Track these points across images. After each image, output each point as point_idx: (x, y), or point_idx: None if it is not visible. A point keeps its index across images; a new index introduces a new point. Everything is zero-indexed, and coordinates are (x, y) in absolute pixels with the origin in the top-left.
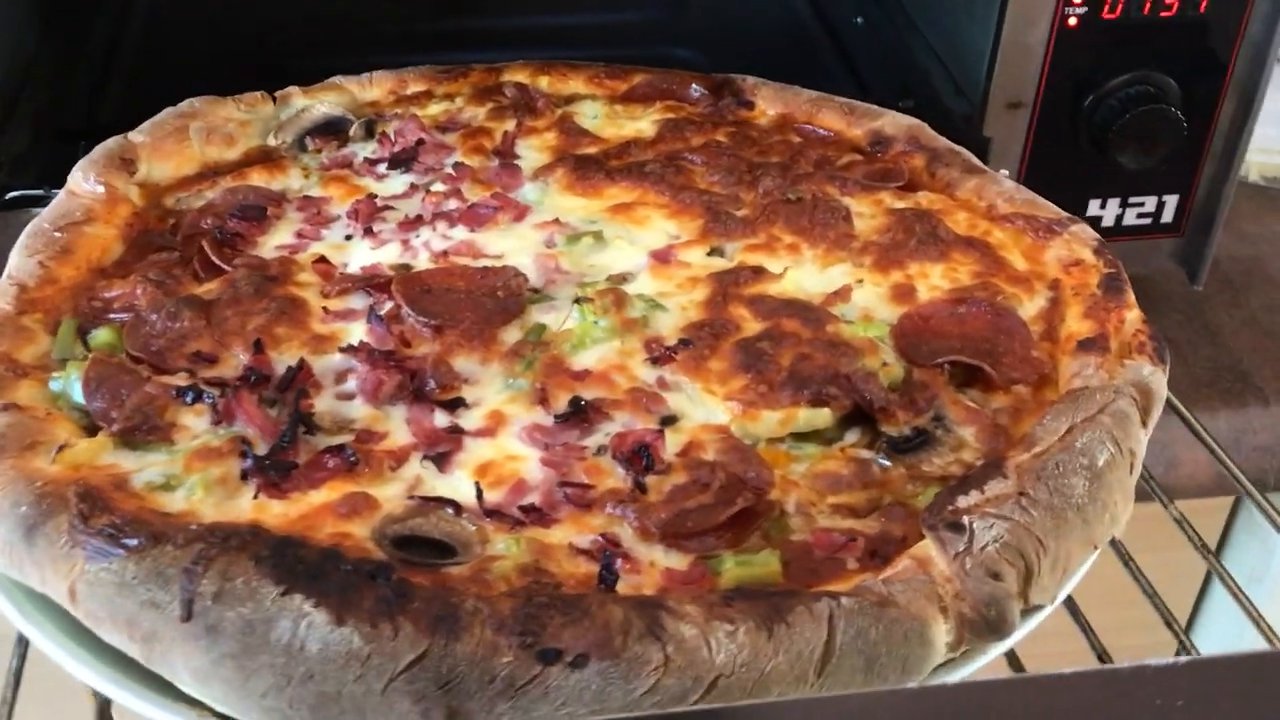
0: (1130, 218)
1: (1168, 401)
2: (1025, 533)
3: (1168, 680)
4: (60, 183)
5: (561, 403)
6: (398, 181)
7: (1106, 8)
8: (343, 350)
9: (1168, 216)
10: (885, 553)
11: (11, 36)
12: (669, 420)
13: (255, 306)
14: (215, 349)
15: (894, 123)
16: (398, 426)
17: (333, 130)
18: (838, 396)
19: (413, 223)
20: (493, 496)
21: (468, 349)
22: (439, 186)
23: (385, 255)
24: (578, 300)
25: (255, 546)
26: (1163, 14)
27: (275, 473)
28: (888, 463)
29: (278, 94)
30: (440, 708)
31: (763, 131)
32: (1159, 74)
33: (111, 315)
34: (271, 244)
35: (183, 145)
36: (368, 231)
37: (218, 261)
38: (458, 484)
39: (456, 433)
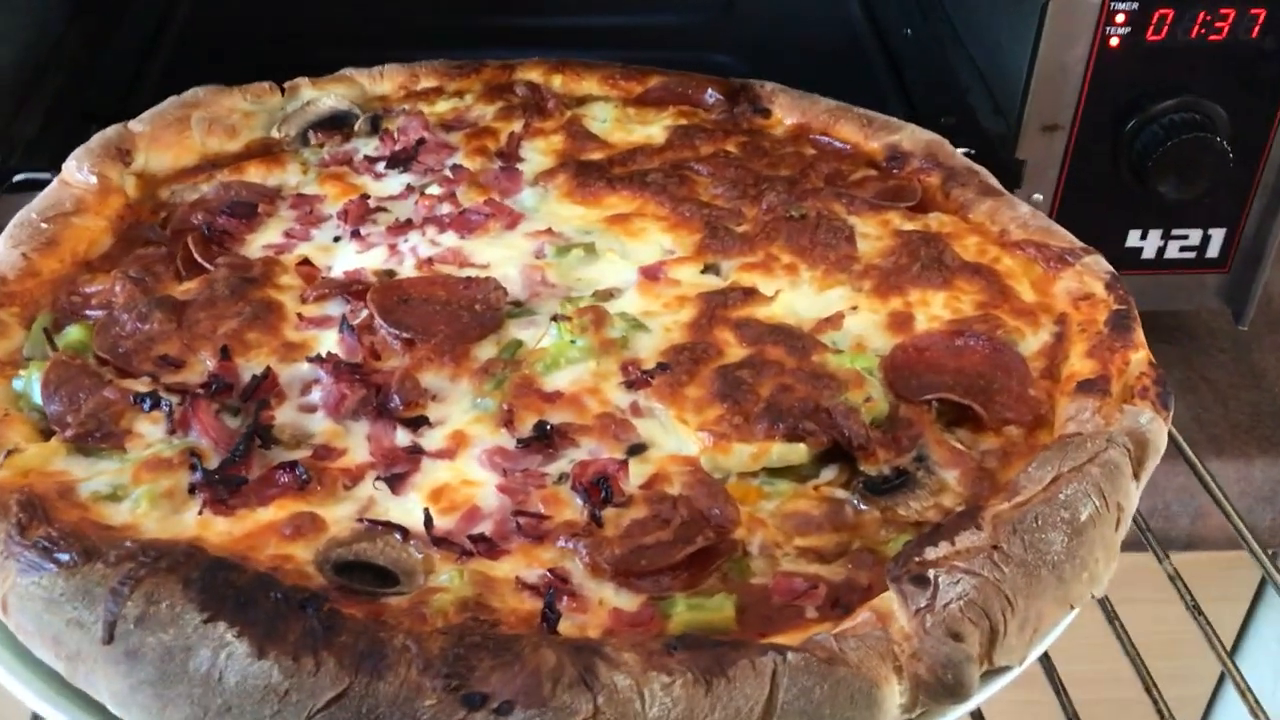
0: (1173, 251)
1: (1178, 449)
2: (994, 590)
3: None
4: None
5: (527, 426)
6: (395, 181)
7: (1151, 29)
8: (310, 360)
9: (1213, 251)
10: (848, 602)
11: (36, 18)
12: (637, 449)
13: (229, 310)
14: (182, 353)
15: (912, 137)
16: (357, 443)
17: (338, 125)
18: (815, 432)
19: (402, 227)
20: (443, 523)
21: (438, 364)
22: (434, 189)
23: (370, 260)
24: (555, 318)
25: (187, 568)
26: (1211, 38)
27: (223, 487)
28: (862, 505)
29: (286, 85)
30: None
31: (776, 142)
32: (1207, 101)
33: (88, 312)
34: (259, 243)
35: (183, 136)
36: (355, 234)
37: (200, 260)
38: (410, 507)
39: (416, 453)
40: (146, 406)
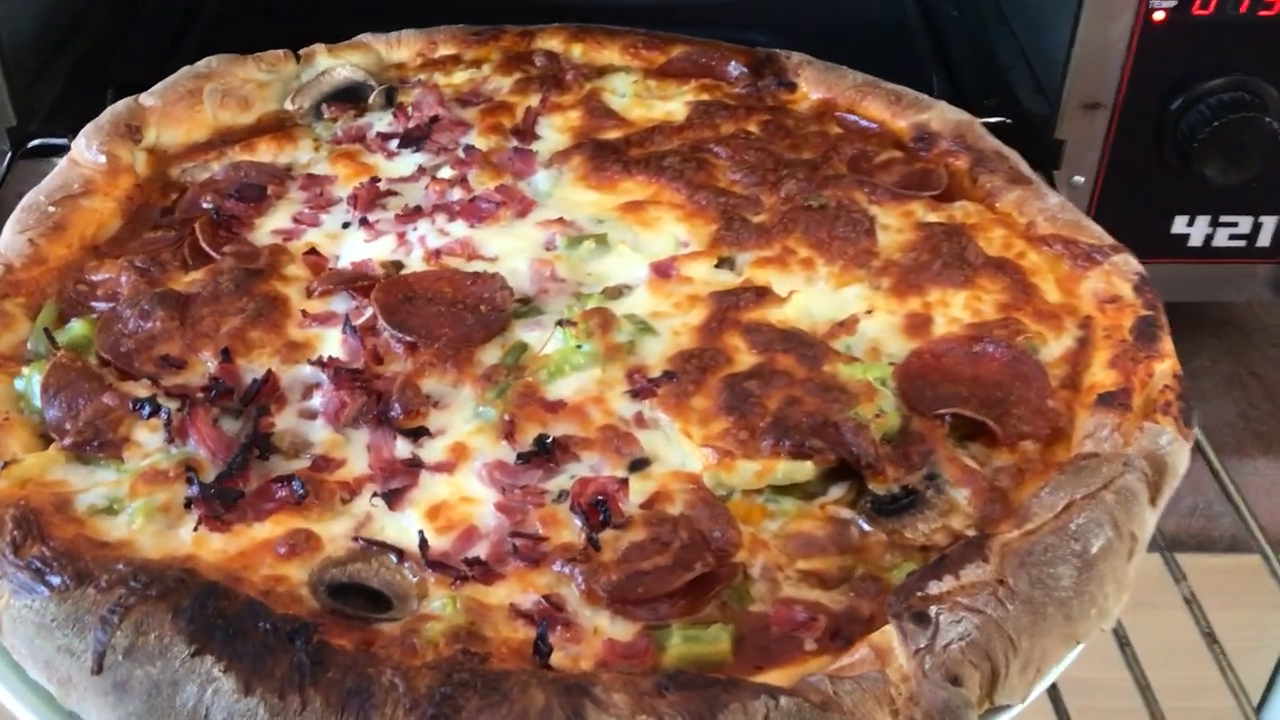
0: (1221, 239)
1: (1202, 453)
2: (996, 630)
3: None
4: None
5: (528, 438)
6: (407, 161)
7: (1198, 4)
8: (312, 363)
9: (1264, 240)
10: (848, 633)
11: None
12: (639, 464)
13: (233, 306)
14: (184, 353)
15: (941, 117)
16: (357, 453)
17: (352, 97)
18: (822, 450)
19: (411, 214)
20: (439, 544)
21: (440, 370)
22: (446, 173)
23: (378, 250)
24: (561, 323)
25: (177, 596)
26: (1261, 13)
27: (219, 502)
28: (868, 526)
29: (301, 52)
30: None
31: (800, 120)
32: (1257, 80)
33: (94, 303)
34: (268, 227)
35: (195, 109)
36: (364, 222)
37: (208, 249)
38: (407, 524)
39: (415, 465)
40: (145, 413)
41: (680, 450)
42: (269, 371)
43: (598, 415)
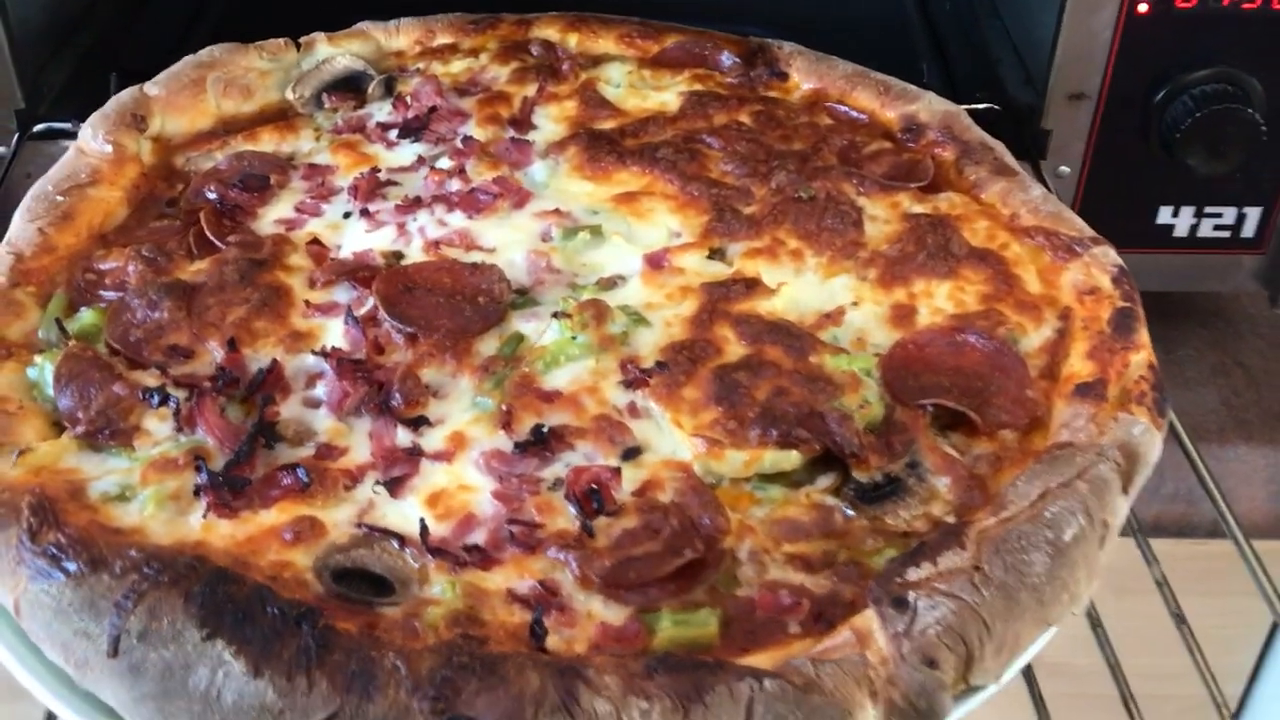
0: (1206, 229)
1: (1179, 441)
2: (971, 615)
3: None
4: None
5: (525, 428)
6: (406, 151)
7: None
8: (315, 353)
9: (1248, 231)
10: (831, 616)
11: None
12: (632, 453)
13: (238, 296)
14: (192, 343)
15: (929, 108)
16: (359, 441)
17: (352, 86)
18: (807, 439)
19: (411, 205)
20: (439, 530)
21: (439, 360)
22: (444, 163)
23: (379, 240)
24: (556, 315)
25: (189, 581)
26: (1245, 5)
27: (227, 489)
28: (851, 512)
29: (302, 40)
30: None
31: (791, 111)
32: (1241, 72)
33: (102, 292)
34: (270, 217)
35: (198, 98)
36: (365, 212)
37: (213, 238)
38: (408, 512)
39: (415, 454)
40: (155, 403)
41: (671, 439)
42: (274, 361)
43: (592, 405)
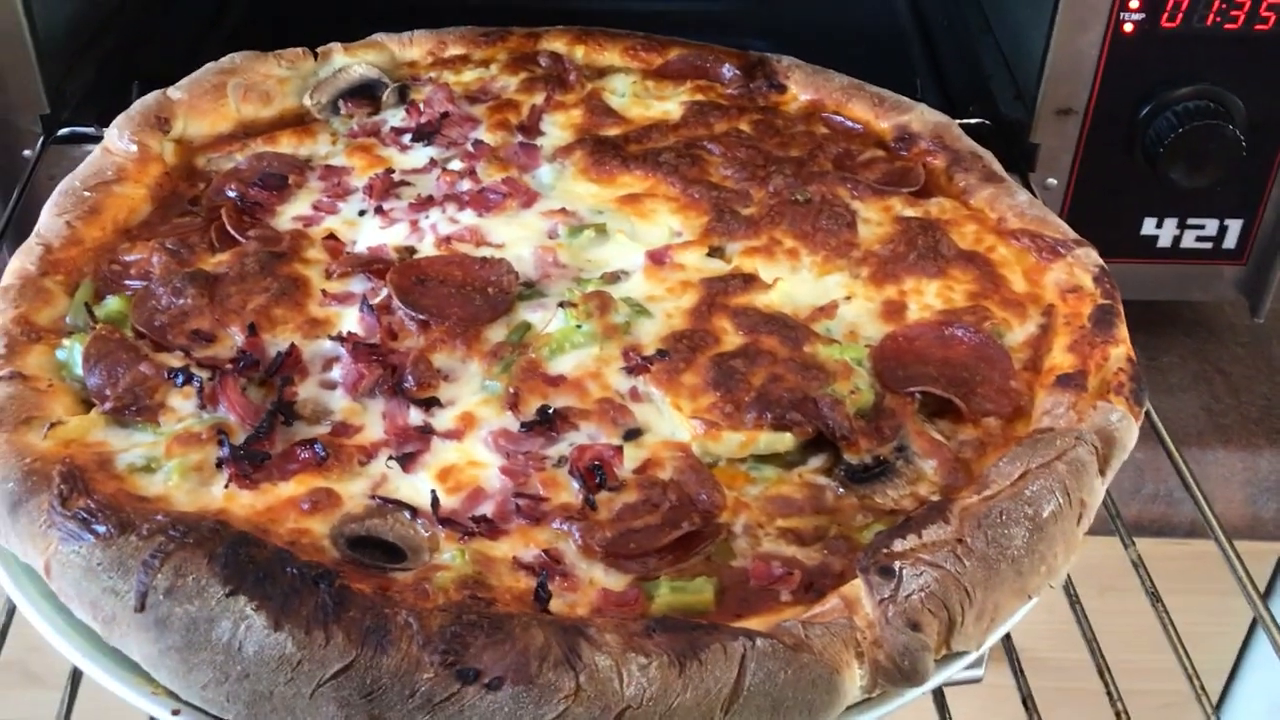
0: (1189, 240)
1: (1161, 444)
2: (954, 583)
3: None
4: None
5: (531, 409)
6: (419, 154)
7: (1165, 16)
8: (332, 338)
9: (1230, 242)
10: (820, 586)
11: None
12: (633, 434)
13: (258, 285)
14: (214, 328)
15: (921, 118)
16: (373, 420)
17: (367, 94)
18: (800, 422)
19: (424, 203)
20: (449, 503)
21: (450, 346)
22: (456, 165)
23: (393, 236)
24: (562, 304)
25: (212, 543)
26: (1227, 26)
27: (248, 462)
28: (842, 491)
29: (319, 50)
30: (362, 715)
31: (788, 120)
32: (1224, 90)
33: (127, 281)
34: (289, 214)
35: (219, 103)
36: (379, 210)
37: (233, 233)
38: (419, 486)
39: (427, 432)
40: (179, 382)
41: (671, 422)
42: (292, 345)
43: (595, 389)
